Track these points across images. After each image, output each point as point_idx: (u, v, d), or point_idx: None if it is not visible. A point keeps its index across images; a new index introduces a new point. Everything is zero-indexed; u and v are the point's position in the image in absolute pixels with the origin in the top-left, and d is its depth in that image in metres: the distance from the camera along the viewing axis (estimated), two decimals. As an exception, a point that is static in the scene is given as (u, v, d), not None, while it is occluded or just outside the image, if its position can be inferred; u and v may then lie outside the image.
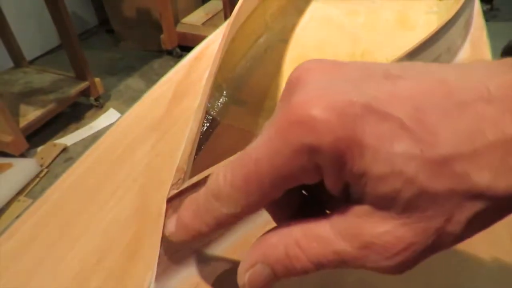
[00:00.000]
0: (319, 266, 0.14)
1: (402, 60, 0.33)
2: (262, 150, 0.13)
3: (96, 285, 0.24)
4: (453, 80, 0.13)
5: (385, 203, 0.13)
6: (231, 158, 0.15)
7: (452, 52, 0.44)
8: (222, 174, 0.14)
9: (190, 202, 0.16)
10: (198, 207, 0.15)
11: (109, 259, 0.26)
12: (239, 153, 0.14)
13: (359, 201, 0.13)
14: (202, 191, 0.15)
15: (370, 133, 0.12)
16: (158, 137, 0.37)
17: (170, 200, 0.19)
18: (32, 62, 1.96)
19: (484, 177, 0.12)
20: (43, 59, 2.09)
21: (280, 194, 0.14)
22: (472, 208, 0.12)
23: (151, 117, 0.40)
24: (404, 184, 0.12)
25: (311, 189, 0.17)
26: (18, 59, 1.72)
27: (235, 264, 0.24)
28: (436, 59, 0.40)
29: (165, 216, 0.19)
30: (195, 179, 0.20)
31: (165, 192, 0.20)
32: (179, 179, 0.20)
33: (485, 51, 0.48)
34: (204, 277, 0.25)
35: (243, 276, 0.15)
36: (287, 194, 0.14)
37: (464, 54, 0.46)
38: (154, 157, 0.35)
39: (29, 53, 1.89)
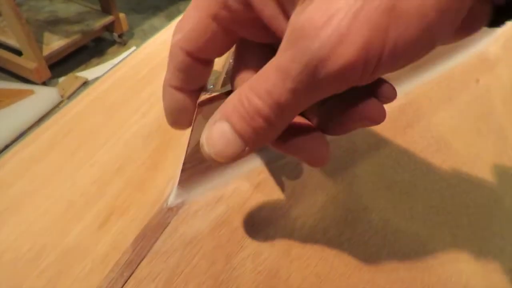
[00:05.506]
0: (274, 107, 0.13)
1: None
2: None
3: (115, 190, 0.24)
4: None
5: None
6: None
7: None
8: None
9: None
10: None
11: (129, 168, 0.25)
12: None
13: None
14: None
15: None
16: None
17: (201, 105, 0.18)
18: (58, -9, 1.92)
19: None
20: (69, -10, 2.05)
21: None
22: None
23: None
24: None
25: None
26: (44, -14, 1.69)
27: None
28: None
29: (194, 120, 0.18)
30: (228, 86, 0.18)
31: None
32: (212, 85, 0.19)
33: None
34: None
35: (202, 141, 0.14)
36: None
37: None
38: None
39: (55, -19, 1.85)
